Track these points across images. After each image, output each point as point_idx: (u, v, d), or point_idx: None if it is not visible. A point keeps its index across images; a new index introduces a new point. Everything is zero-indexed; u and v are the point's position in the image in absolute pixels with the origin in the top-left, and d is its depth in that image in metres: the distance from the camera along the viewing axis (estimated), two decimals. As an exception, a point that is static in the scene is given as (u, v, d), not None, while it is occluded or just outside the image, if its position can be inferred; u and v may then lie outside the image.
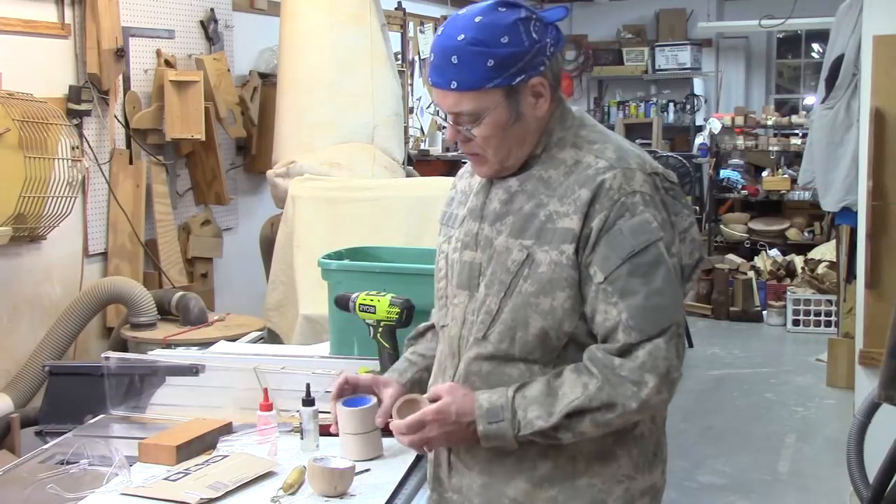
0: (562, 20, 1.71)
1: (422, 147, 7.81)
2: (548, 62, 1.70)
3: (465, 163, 1.99)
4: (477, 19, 1.66)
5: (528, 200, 1.73)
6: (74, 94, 4.26)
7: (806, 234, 8.63)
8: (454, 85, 1.67)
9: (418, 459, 2.14)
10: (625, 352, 1.64)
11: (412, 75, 7.76)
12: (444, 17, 8.27)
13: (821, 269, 7.48)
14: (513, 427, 1.67)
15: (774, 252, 8.37)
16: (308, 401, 2.18)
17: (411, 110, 7.68)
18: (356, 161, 4.59)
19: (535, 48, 1.67)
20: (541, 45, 1.68)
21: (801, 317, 7.37)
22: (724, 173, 9.08)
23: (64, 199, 3.83)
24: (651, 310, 1.64)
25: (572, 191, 1.69)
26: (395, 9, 7.38)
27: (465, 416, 1.71)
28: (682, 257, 1.74)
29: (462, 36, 1.66)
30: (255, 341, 3.43)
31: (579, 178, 1.69)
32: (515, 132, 1.72)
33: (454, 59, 1.66)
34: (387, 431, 2.19)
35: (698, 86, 9.94)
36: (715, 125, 8.95)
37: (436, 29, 8.07)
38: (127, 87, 4.60)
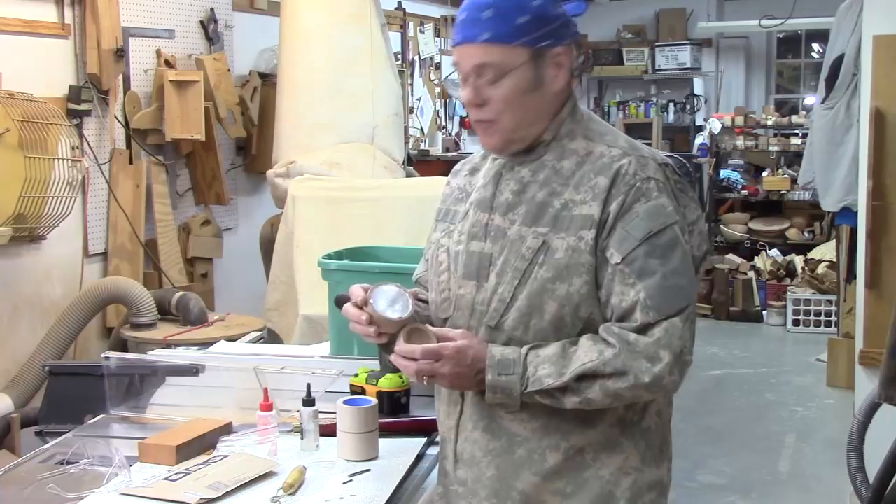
0: (579, 15, 1.76)
1: (422, 147, 7.81)
2: (570, 39, 1.75)
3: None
4: None
5: (540, 189, 1.74)
6: (74, 94, 4.26)
7: (806, 234, 8.62)
8: (484, 36, 1.70)
9: (418, 460, 2.14)
10: (641, 330, 1.65)
11: (412, 75, 7.76)
12: (444, 18, 8.28)
13: (821, 269, 7.47)
14: (521, 383, 1.68)
15: (774, 252, 8.36)
16: (308, 401, 2.18)
17: (411, 110, 7.67)
18: (356, 161, 4.59)
19: (564, 19, 1.73)
20: (567, 20, 1.74)
21: (801, 317, 7.37)
22: (724, 173, 9.06)
23: (64, 199, 3.83)
24: (669, 290, 1.66)
25: (588, 179, 1.71)
26: (395, 9, 7.39)
27: (479, 363, 1.71)
28: (692, 248, 1.76)
29: None
30: (255, 341, 3.42)
31: (594, 167, 1.72)
32: (533, 102, 1.73)
33: (487, 14, 1.70)
34: (385, 431, 2.20)
35: (698, 86, 9.93)
36: (715, 125, 8.94)
37: (436, 29, 8.11)
38: (127, 87, 4.60)
